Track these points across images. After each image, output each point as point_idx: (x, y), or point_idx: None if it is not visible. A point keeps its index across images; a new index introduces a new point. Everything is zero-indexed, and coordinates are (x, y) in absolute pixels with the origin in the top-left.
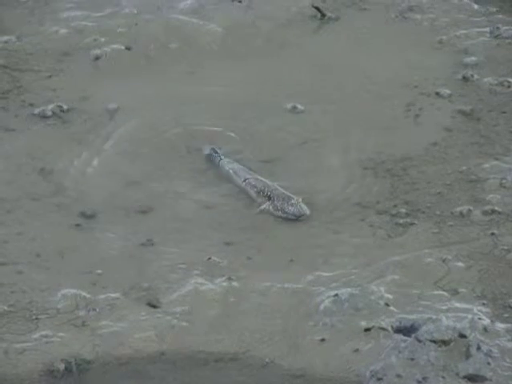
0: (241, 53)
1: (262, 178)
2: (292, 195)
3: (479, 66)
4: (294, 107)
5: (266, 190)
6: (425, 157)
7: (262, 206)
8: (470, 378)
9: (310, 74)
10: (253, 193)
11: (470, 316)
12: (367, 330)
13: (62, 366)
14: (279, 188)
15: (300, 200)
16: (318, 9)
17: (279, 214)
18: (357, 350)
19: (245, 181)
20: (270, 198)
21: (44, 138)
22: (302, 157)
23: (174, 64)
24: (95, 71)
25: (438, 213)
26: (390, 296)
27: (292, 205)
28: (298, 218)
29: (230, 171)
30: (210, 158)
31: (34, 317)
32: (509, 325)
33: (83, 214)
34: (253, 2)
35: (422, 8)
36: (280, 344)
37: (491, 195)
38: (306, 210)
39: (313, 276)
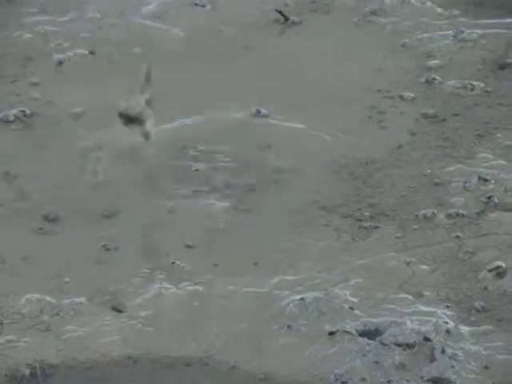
0: (205, 57)
1: None
2: None
3: (443, 69)
4: (258, 111)
5: None
6: (389, 160)
7: None
8: (434, 381)
9: (274, 78)
10: None
11: (434, 319)
12: (332, 333)
13: (26, 371)
14: None
15: None
16: (281, 13)
17: None
18: (321, 354)
19: None
20: None
21: (7, 142)
22: (267, 161)
23: (138, 68)
24: (59, 76)
25: (402, 216)
26: (354, 299)
27: None
28: None
29: None
30: None
31: None
32: (473, 328)
33: (46, 218)
34: (216, 6)
35: (385, 11)
36: (245, 348)
37: (455, 198)
38: None
39: (277, 279)
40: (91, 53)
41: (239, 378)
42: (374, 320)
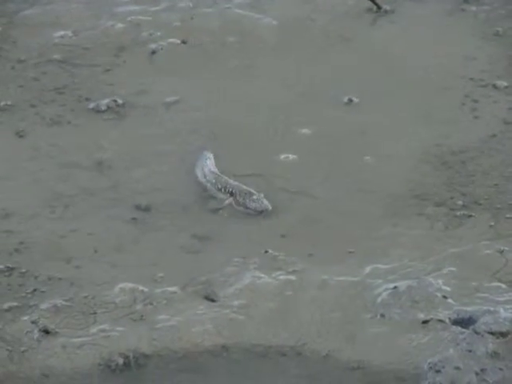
0: (297, 46)
1: (224, 176)
2: (254, 191)
3: None
4: (350, 100)
5: (228, 186)
6: (482, 149)
7: (226, 202)
8: None
9: (366, 67)
10: (214, 190)
11: None
12: (425, 322)
13: (120, 360)
14: (242, 185)
15: (262, 196)
16: (373, 1)
17: (241, 209)
18: (414, 343)
19: (205, 177)
20: (232, 193)
21: (100, 132)
22: (360, 148)
23: (231, 57)
24: (152, 65)
25: (495, 205)
26: (447, 288)
27: (254, 200)
28: (259, 213)
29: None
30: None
31: (91, 311)
32: None
33: (139, 208)
34: None
35: (477, 0)
36: (338, 336)
37: None
38: (267, 205)
39: (371, 268)
40: (184, 42)
41: (332, 367)
42: (468, 309)
